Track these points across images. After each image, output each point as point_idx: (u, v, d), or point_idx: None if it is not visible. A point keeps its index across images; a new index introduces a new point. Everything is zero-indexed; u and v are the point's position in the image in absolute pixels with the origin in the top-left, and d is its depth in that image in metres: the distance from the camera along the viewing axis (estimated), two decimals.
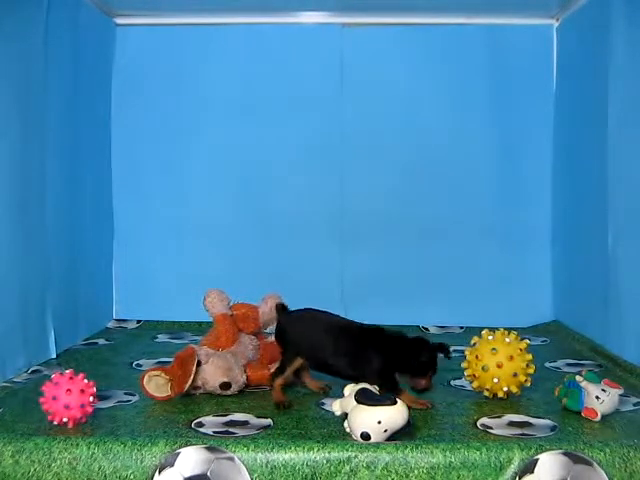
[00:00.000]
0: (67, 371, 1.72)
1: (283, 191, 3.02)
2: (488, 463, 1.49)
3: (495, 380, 1.85)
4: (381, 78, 2.99)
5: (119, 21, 3.00)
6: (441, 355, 1.86)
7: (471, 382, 1.94)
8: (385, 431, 1.56)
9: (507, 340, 1.88)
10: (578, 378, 1.75)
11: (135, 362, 2.35)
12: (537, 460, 1.49)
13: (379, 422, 1.55)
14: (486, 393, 1.90)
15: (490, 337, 1.91)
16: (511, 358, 1.85)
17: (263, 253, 2.99)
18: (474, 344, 1.94)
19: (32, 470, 1.51)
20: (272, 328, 2.50)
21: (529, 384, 1.89)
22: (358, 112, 2.99)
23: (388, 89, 2.99)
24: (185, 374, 1.89)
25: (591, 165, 2.52)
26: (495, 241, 3.00)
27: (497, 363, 1.85)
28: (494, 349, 1.88)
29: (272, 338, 2.28)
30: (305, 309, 2.00)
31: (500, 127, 2.98)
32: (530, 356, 1.88)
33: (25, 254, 2.22)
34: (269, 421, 1.73)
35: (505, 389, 1.86)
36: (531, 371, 1.87)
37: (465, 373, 1.94)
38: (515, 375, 1.85)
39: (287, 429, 1.66)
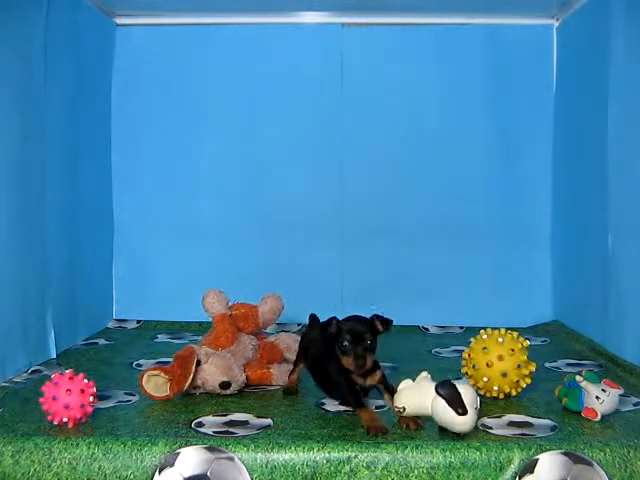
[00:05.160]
0: (67, 371, 1.72)
1: (283, 191, 3.02)
2: (488, 463, 1.49)
3: (485, 379, 1.86)
4: (381, 78, 2.99)
5: (119, 21, 3.00)
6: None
7: (468, 380, 1.94)
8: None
9: (500, 340, 1.88)
10: (578, 378, 1.75)
11: (135, 362, 2.35)
12: (537, 460, 1.49)
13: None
14: (481, 392, 1.91)
15: (485, 336, 1.92)
16: (501, 358, 1.85)
17: (263, 253, 2.99)
18: (470, 342, 1.96)
19: (32, 470, 1.52)
20: (272, 328, 2.53)
21: (525, 385, 1.89)
22: (358, 112, 2.98)
23: (388, 89, 2.99)
24: (185, 373, 1.89)
25: (591, 165, 2.52)
26: (495, 241, 3.00)
27: (487, 362, 1.86)
28: (485, 348, 1.88)
29: (271, 338, 2.30)
30: None
31: (500, 127, 2.98)
32: (524, 357, 1.87)
33: (25, 254, 2.22)
34: (269, 421, 1.73)
35: (496, 388, 1.87)
36: (526, 372, 1.87)
37: (462, 371, 1.97)
38: (504, 375, 1.85)
39: (287, 429, 1.66)
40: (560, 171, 2.93)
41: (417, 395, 1.65)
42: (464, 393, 1.59)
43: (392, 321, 1.83)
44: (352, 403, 1.77)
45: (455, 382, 1.62)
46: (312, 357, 1.98)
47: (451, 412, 1.56)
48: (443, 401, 1.57)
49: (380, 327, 1.81)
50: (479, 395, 1.89)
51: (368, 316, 1.83)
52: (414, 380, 1.71)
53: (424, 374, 1.71)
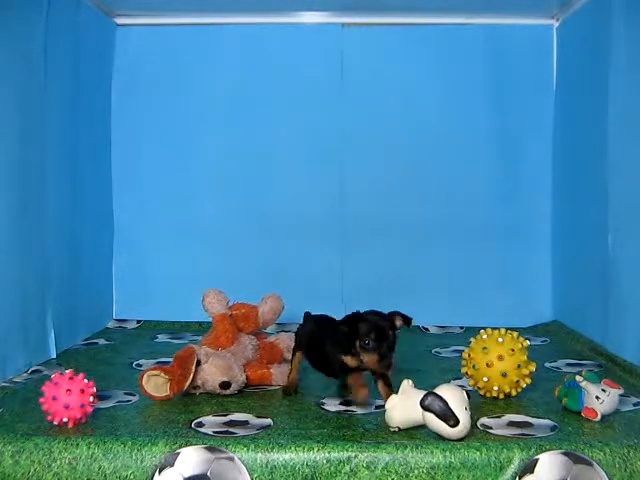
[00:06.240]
0: (67, 371, 1.71)
1: (283, 191, 3.01)
2: (488, 463, 1.49)
3: (485, 379, 1.86)
4: (381, 78, 2.99)
5: (119, 21, 3.01)
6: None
7: (468, 380, 1.95)
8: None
9: (500, 340, 1.88)
10: (578, 378, 1.75)
11: (135, 362, 2.35)
12: (537, 460, 1.49)
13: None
14: (481, 392, 1.91)
15: (485, 336, 1.92)
16: (501, 358, 1.85)
17: (263, 253, 2.99)
18: (470, 342, 1.96)
19: (32, 470, 1.51)
20: (272, 328, 2.53)
21: (525, 385, 1.88)
22: (358, 112, 2.98)
23: (388, 89, 2.99)
24: (185, 373, 1.89)
25: (591, 165, 2.52)
26: (495, 241, 3.00)
27: (487, 362, 1.86)
28: (485, 348, 1.88)
29: (271, 338, 2.30)
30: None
31: (500, 127, 2.98)
32: (524, 357, 1.87)
33: (25, 254, 2.22)
34: (269, 421, 1.73)
35: (496, 388, 1.87)
36: (526, 372, 1.86)
37: (461, 371, 1.97)
38: (504, 375, 1.85)
39: (287, 429, 1.66)
40: (560, 171, 2.93)
41: (407, 411, 1.62)
42: (450, 398, 1.55)
43: (411, 319, 1.78)
44: (340, 375, 1.85)
45: (438, 389, 1.58)
46: (308, 345, 2.01)
47: (443, 425, 1.54)
48: (432, 414, 1.55)
49: (399, 323, 1.75)
50: (479, 395, 1.91)
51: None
52: (397, 391, 1.68)
53: (406, 383, 1.67)
